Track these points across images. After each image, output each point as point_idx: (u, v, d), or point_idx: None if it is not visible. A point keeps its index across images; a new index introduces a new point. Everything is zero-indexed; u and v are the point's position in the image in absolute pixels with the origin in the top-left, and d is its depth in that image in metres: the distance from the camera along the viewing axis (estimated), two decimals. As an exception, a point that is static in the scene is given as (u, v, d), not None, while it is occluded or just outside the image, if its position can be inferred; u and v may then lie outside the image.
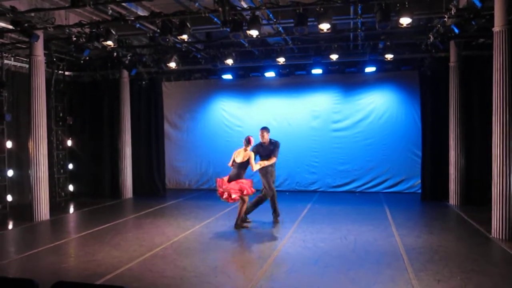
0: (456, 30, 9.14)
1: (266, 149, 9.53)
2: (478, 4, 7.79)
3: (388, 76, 13.53)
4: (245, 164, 9.03)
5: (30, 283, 3.22)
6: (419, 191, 12.71)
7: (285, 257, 7.17)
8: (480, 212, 9.74)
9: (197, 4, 8.77)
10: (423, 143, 12.37)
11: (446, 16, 8.98)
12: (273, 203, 9.76)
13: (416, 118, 13.18)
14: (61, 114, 13.26)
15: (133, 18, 9.24)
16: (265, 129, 9.62)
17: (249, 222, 9.55)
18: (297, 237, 8.30)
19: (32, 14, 9.11)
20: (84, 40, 9.90)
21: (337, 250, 7.54)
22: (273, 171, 9.69)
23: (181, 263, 6.88)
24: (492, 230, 7.94)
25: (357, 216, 10.10)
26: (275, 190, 9.73)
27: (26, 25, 9.12)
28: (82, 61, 12.07)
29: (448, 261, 6.74)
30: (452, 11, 8.63)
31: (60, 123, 13.39)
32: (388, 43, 11.43)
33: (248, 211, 9.52)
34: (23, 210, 10.81)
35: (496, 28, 7.79)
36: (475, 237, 8.23)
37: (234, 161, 9.15)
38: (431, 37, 10.38)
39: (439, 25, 9.72)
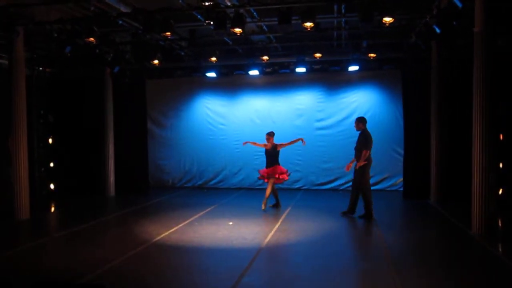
0: (438, 30, 9.26)
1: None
2: (459, 4, 7.90)
3: (371, 75, 13.63)
4: (276, 153, 10.86)
5: (7, 284, 3.17)
6: (401, 189, 12.85)
7: (269, 255, 7.19)
8: (461, 209, 9.86)
9: (180, 0, 8.73)
10: (405, 141, 12.50)
11: (427, 16, 9.09)
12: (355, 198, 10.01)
13: (398, 117, 13.30)
14: (42, 112, 13.07)
15: (115, 15, 9.16)
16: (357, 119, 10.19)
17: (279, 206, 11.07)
18: (280, 235, 8.32)
19: (12, 10, 8.95)
20: (65, 36, 9.77)
21: (320, 247, 7.58)
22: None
23: (164, 262, 6.86)
24: (472, 227, 8.07)
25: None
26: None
27: (6, 21, 8.96)
28: (63, 58, 11.90)
29: (429, 258, 6.85)
30: (434, 11, 8.74)
31: (41, 121, 13.19)
32: (371, 42, 11.52)
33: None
34: (3, 209, 10.62)
35: (477, 29, 7.90)
36: (455, 234, 8.36)
37: (265, 151, 11.00)
38: (413, 37, 10.50)
39: (421, 25, 9.83)
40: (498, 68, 8.03)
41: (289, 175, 11.07)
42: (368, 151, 9.65)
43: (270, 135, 10.97)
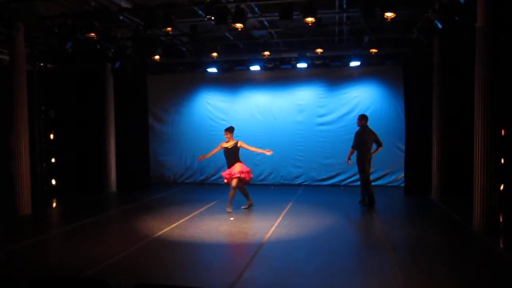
0: (440, 25, 9.22)
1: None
2: (461, -1, 7.87)
3: (372, 70, 13.58)
4: (236, 150, 10.14)
5: (9, 280, 3.16)
6: (403, 184, 12.85)
7: (270, 250, 7.19)
8: (463, 205, 9.86)
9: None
10: (406, 137, 12.48)
11: (429, 11, 9.05)
12: (362, 189, 10.63)
13: (400, 112, 13.26)
14: (43, 107, 13.05)
15: (116, 10, 9.14)
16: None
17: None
18: (281, 231, 8.33)
19: (13, 5, 8.94)
20: (66, 32, 9.75)
21: (321, 243, 7.59)
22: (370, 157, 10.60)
23: (165, 257, 6.87)
24: (474, 222, 8.06)
25: (341, 209, 10.16)
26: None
27: (6, 16, 8.94)
28: (64, 53, 11.89)
29: (430, 253, 6.84)
30: (436, 6, 8.70)
31: (43, 116, 13.19)
32: (372, 38, 11.48)
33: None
34: (5, 204, 10.63)
35: (479, 24, 7.86)
36: (457, 230, 8.37)
37: (224, 150, 10.23)
38: (415, 32, 10.45)
39: (423, 20, 9.79)
40: (500, 63, 7.99)
41: (250, 177, 10.27)
42: (353, 149, 10.55)
43: (230, 130, 10.21)
